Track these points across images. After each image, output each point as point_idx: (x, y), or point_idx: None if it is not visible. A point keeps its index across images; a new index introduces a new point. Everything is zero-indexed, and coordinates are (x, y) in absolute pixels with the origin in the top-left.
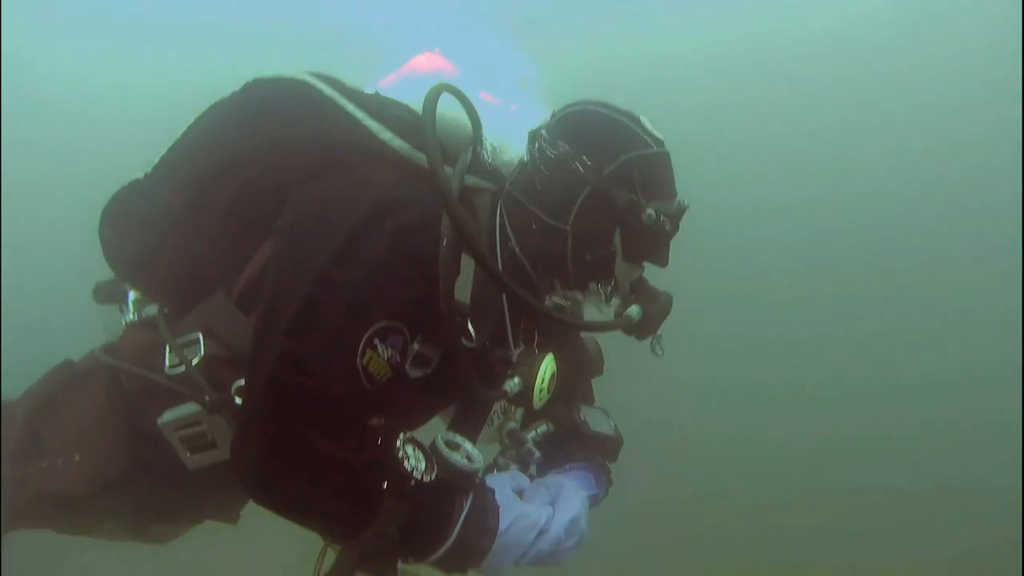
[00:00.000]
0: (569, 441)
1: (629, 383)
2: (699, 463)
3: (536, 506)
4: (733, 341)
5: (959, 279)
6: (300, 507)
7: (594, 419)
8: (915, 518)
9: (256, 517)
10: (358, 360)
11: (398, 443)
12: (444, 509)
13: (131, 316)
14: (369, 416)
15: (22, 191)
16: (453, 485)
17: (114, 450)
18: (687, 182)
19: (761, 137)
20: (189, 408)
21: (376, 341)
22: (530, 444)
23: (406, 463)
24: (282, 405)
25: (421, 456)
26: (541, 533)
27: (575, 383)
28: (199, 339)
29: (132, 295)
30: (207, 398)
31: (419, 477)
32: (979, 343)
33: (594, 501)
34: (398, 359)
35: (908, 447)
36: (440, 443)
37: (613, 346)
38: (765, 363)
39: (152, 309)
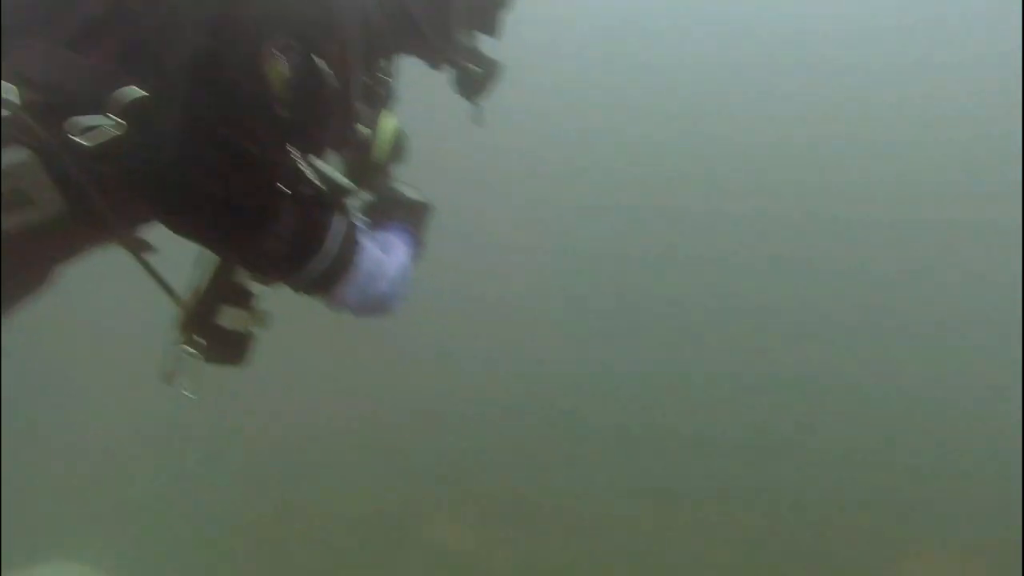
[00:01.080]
0: (387, 206)
1: None
2: None
3: (375, 249)
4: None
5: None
6: (208, 208)
7: (406, 189)
8: (912, 517)
9: None
10: (264, 61)
11: (293, 153)
12: (325, 219)
13: None
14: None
15: None
16: (331, 199)
17: None
18: None
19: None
20: (5, 158)
21: (276, 51)
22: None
23: (304, 170)
24: (195, 102)
25: (310, 167)
26: (382, 272)
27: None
28: (10, 88)
29: None
30: (35, 143)
31: (315, 183)
32: (979, 341)
33: (411, 259)
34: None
35: (906, 440)
36: (315, 160)
37: None
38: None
39: None
